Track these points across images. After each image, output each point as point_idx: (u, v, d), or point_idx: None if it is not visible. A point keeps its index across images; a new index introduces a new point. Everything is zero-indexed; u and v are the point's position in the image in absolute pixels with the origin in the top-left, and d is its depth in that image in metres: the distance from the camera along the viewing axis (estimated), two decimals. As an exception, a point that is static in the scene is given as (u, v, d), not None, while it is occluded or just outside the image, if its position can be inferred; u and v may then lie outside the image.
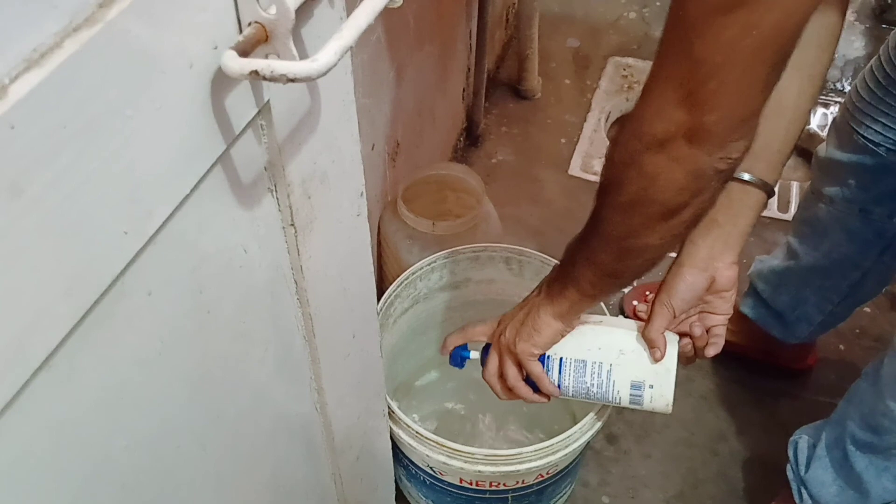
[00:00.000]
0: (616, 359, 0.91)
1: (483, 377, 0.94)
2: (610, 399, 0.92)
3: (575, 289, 0.82)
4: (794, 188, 1.83)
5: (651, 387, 0.91)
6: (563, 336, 0.88)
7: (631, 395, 0.91)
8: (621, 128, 0.68)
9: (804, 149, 1.81)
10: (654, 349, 0.89)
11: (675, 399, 0.91)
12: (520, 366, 0.90)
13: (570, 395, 0.93)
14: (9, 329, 0.34)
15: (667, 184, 0.66)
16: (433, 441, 1.00)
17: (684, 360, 0.92)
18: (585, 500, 1.33)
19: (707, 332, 0.92)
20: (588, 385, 0.91)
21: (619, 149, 0.69)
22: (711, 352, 0.93)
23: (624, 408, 0.94)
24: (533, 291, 0.90)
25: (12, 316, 0.34)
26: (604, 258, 0.77)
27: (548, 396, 0.93)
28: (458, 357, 0.98)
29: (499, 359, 0.91)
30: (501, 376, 0.92)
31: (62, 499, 0.43)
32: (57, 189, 0.33)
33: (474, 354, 0.98)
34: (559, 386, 0.92)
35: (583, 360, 0.91)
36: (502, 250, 1.22)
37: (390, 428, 1.01)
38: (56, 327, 0.36)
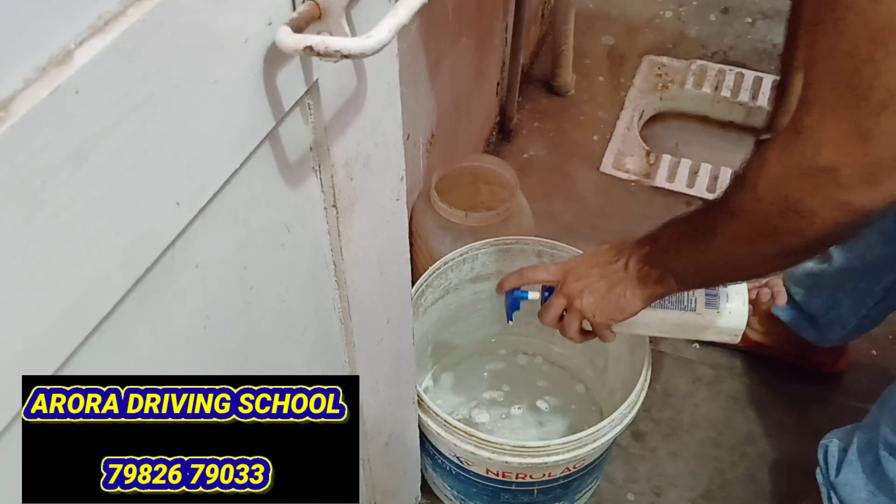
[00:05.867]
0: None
1: (539, 316, 0.94)
2: (685, 303, 0.92)
3: (675, 280, 0.82)
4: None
5: (727, 295, 0.90)
6: None
7: (707, 296, 0.91)
8: (768, 158, 0.64)
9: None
10: None
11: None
12: (583, 319, 0.90)
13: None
14: (67, 291, 0.34)
15: (825, 223, 0.61)
16: (461, 430, 1.00)
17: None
18: (611, 496, 1.32)
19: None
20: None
21: (765, 183, 0.64)
22: (781, 300, 1.04)
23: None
24: (617, 261, 0.87)
25: (70, 279, 0.34)
26: (718, 265, 0.76)
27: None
28: (515, 298, 0.97)
29: (564, 309, 0.91)
30: (560, 320, 0.92)
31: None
32: (117, 156, 0.34)
33: (533, 295, 0.96)
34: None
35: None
36: (534, 243, 1.21)
37: (418, 416, 1.02)
38: (110, 293, 0.37)
